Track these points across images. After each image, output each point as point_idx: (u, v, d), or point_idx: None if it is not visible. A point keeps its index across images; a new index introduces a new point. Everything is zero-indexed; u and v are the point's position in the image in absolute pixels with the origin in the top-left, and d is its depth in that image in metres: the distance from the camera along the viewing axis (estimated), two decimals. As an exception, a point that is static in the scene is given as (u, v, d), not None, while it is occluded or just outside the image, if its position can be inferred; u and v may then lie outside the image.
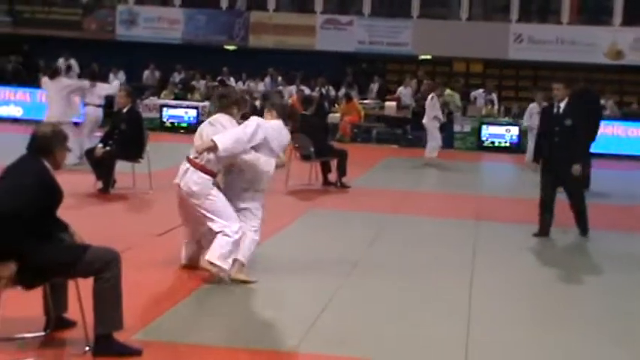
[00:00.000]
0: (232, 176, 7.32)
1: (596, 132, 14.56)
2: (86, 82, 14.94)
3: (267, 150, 7.25)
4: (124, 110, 12.14)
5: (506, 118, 22.68)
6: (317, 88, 24.36)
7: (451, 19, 26.24)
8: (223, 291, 7.03)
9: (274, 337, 5.94)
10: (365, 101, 24.09)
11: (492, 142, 21.53)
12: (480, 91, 24.19)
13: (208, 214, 7.09)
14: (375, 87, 25.74)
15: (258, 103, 23.86)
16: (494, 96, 23.82)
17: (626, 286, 8.05)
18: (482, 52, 25.20)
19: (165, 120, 22.87)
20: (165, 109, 23.06)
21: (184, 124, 22.81)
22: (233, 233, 7.02)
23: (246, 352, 5.61)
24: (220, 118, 7.43)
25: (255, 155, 7.16)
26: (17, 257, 5.02)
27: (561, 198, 10.12)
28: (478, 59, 26.46)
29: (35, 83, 18.30)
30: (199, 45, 26.84)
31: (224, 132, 7.17)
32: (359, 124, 22.34)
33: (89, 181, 11.72)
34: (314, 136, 13.25)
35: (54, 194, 5.26)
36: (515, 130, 21.13)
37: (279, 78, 25.45)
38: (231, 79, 25.64)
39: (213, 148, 6.94)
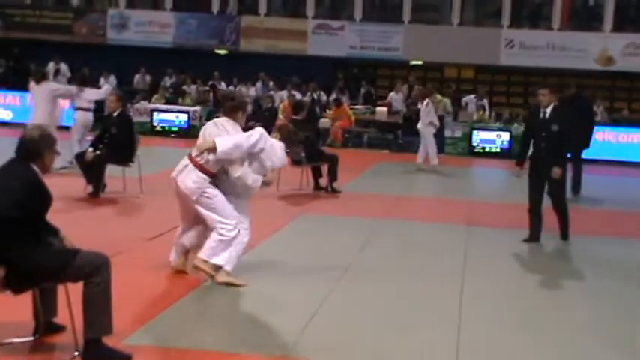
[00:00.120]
0: (221, 179, 7.32)
1: (589, 137, 14.62)
2: (74, 87, 14.89)
3: (259, 165, 7.28)
4: (115, 114, 12.10)
5: (498, 124, 22.75)
6: (308, 93, 24.37)
7: (442, 25, 26.28)
8: (214, 295, 7.02)
9: (264, 342, 5.91)
10: (356, 106, 24.10)
11: (483, 148, 21.58)
12: (472, 96, 24.26)
13: (205, 212, 7.16)
14: (362, 92, 25.76)
15: (249, 108, 23.89)
16: (485, 102, 23.89)
17: (614, 291, 8.06)
18: (473, 57, 25.26)
19: (156, 124, 22.85)
20: (156, 113, 23.04)
21: (175, 129, 22.80)
22: (228, 232, 7.09)
23: (236, 356, 5.59)
24: (225, 123, 7.41)
25: (244, 170, 7.18)
26: (6, 261, 4.99)
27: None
28: (469, 65, 26.51)
29: (25, 87, 18.25)
30: (190, 49, 26.82)
31: (227, 136, 7.19)
32: (350, 129, 22.34)
33: (79, 185, 11.68)
34: (305, 142, 13.22)
35: (43, 198, 5.23)
36: (506, 136, 21.20)
37: (271, 83, 25.44)
38: (222, 83, 25.62)
39: (212, 149, 7.01)
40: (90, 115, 14.92)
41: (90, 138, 13.15)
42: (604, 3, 25.30)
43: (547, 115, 9.79)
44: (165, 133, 22.62)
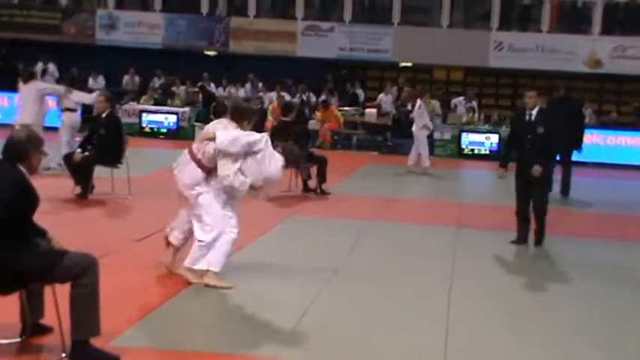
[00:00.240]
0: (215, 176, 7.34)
1: (580, 139, 14.67)
2: (61, 87, 14.79)
3: (255, 166, 7.24)
4: (103, 115, 12.05)
5: (486, 126, 22.78)
6: (297, 95, 24.35)
7: (432, 27, 26.31)
8: (202, 297, 7.00)
9: (253, 343, 5.90)
10: (345, 108, 24.10)
11: (472, 150, 21.60)
12: (461, 98, 24.31)
13: (196, 211, 7.22)
14: (348, 93, 25.74)
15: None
16: (474, 104, 23.94)
17: (601, 293, 8.08)
18: (462, 59, 25.31)
19: (144, 125, 22.77)
20: (144, 114, 22.96)
21: (164, 130, 22.72)
22: (205, 235, 7.18)
23: (225, 357, 5.57)
24: (229, 125, 7.48)
25: (233, 169, 7.18)
26: (-7, 262, 4.96)
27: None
28: (458, 67, 26.56)
29: (13, 87, 18.17)
30: (180, 50, 26.77)
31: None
32: (339, 130, 22.33)
33: (67, 186, 11.63)
34: (294, 143, 13.22)
35: (30, 199, 5.21)
36: (494, 138, 21.22)
37: (260, 84, 25.42)
38: (212, 84, 25.58)
39: (212, 138, 7.20)
40: (77, 116, 14.85)
41: (78, 139, 13.10)
42: (593, 6, 25.39)
43: (533, 118, 9.83)
44: (154, 134, 22.55)
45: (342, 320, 6.58)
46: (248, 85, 25.87)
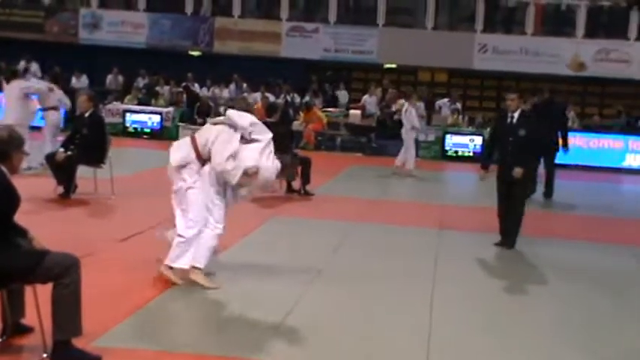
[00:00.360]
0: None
1: (565, 141, 14.74)
2: (44, 87, 14.68)
3: (250, 155, 7.18)
4: (86, 115, 11.96)
5: (470, 128, 22.84)
6: (282, 95, 24.34)
7: (416, 28, 26.36)
8: (186, 297, 6.97)
9: (236, 344, 5.88)
10: (329, 109, 24.10)
11: (456, 152, 21.66)
12: (445, 100, 24.36)
13: (182, 205, 7.21)
14: (328, 94, 25.76)
15: (222, 109, 23.83)
16: (459, 105, 24.00)
17: (582, 296, 8.11)
18: (447, 61, 25.38)
19: (128, 125, 22.70)
20: (128, 114, 22.90)
21: (148, 130, 22.67)
22: (185, 230, 7.15)
23: (206, 358, 5.55)
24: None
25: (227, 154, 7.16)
26: (-26, 262, 4.92)
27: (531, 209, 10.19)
28: (443, 69, 26.62)
29: (-2, 86, 18.06)
30: (164, 50, 26.70)
31: None
32: (323, 131, 22.33)
33: (50, 185, 11.56)
34: (278, 144, 13.17)
35: (11, 199, 5.17)
36: (478, 140, 21.28)
37: (244, 84, 25.38)
38: (196, 85, 25.53)
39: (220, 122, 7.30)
40: (59, 115, 14.77)
41: (61, 138, 13.03)
42: (576, 9, 25.51)
43: (514, 120, 9.86)
44: (137, 134, 22.49)
45: (326, 321, 6.57)
46: (232, 86, 25.84)
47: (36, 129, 14.51)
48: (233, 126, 7.25)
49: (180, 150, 7.37)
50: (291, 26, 26.37)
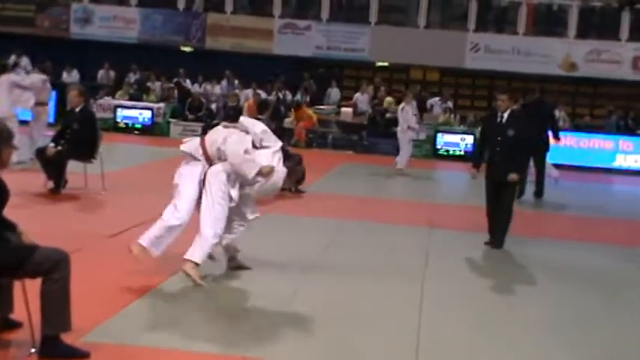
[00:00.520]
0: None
1: (557, 136, 14.79)
2: (38, 81, 14.59)
3: (264, 157, 7.27)
4: (77, 110, 11.93)
5: (462, 127, 22.87)
6: (274, 92, 24.32)
7: (409, 27, 26.35)
8: (175, 294, 6.96)
9: (224, 341, 5.87)
10: (321, 107, 24.10)
11: (447, 151, 21.68)
12: (437, 99, 24.38)
13: (175, 192, 7.27)
14: (308, 92, 25.69)
15: (214, 106, 23.81)
16: (450, 104, 24.03)
17: (572, 296, 8.14)
18: (439, 60, 25.38)
19: (119, 121, 22.64)
20: (119, 109, 22.84)
21: (139, 126, 22.61)
22: (173, 221, 7.14)
23: (194, 355, 5.54)
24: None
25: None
26: (-38, 257, 4.90)
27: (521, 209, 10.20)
28: (435, 67, 26.63)
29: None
30: (155, 45, 26.62)
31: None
32: (314, 129, 22.33)
33: (40, 180, 11.52)
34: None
35: (0, 193, 5.14)
36: (470, 139, 21.31)
37: (236, 81, 25.35)
38: (188, 80, 25.49)
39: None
40: (48, 110, 14.70)
41: (50, 133, 12.98)
42: (568, 9, 25.56)
43: (504, 120, 9.88)
44: (128, 129, 22.44)
45: (315, 318, 6.57)
46: (224, 82, 25.81)
47: (24, 123, 14.42)
48: (244, 131, 7.36)
49: (191, 142, 7.51)
50: (283, 23, 26.34)
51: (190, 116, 22.85)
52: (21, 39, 25.75)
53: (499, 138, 9.85)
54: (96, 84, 25.28)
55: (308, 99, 24.38)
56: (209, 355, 5.56)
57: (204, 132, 20.28)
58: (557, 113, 15.95)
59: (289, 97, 24.86)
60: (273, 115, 14.65)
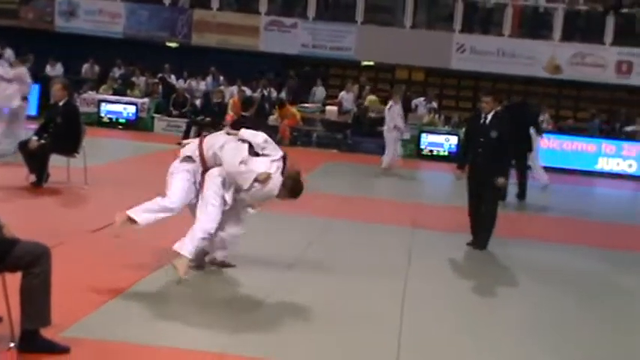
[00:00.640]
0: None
1: (529, 144, 14.85)
2: (24, 72, 14.47)
3: (262, 164, 7.30)
4: (61, 103, 11.87)
5: (446, 127, 22.91)
6: (259, 90, 24.28)
7: (395, 27, 26.35)
8: (156, 290, 6.94)
9: (203, 338, 5.85)
10: (306, 105, 24.07)
11: (431, 151, 21.71)
12: (421, 99, 24.41)
13: (172, 177, 7.34)
14: (289, 90, 25.67)
15: (198, 102, 23.74)
16: (435, 104, 24.07)
17: (553, 297, 8.16)
18: (424, 60, 25.39)
19: (103, 115, 22.54)
20: (103, 104, 22.74)
21: (123, 120, 22.52)
22: (164, 201, 7.19)
23: (175, 351, 5.52)
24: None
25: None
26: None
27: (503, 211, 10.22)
28: (420, 67, 26.66)
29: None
30: (141, 40, 26.50)
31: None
32: (299, 127, 22.31)
33: (22, 173, 11.45)
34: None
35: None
36: (454, 140, 21.34)
37: (221, 78, 25.30)
38: (172, 76, 25.40)
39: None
40: (27, 104, 14.59)
41: (33, 126, 12.90)
42: (554, 12, 25.65)
43: (488, 121, 9.90)
44: (112, 124, 22.34)
45: (297, 316, 6.56)
46: (209, 78, 25.76)
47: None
48: (242, 140, 7.38)
49: (191, 145, 7.53)
50: (269, 20, 26.29)
51: (174, 112, 22.78)
52: (4, 31, 25.53)
53: (482, 139, 9.87)
54: (80, 78, 25.14)
55: (292, 97, 24.35)
56: (190, 351, 5.54)
57: (188, 127, 20.38)
58: (541, 117, 15.99)
59: (274, 94, 24.82)
60: (257, 113, 14.58)
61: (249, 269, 7.86)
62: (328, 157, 20.10)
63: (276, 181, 7.29)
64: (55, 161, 11.68)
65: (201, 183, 7.32)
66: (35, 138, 11.51)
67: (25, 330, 5.05)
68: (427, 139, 21.84)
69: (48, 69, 24.83)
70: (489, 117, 9.90)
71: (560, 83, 25.75)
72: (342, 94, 24.49)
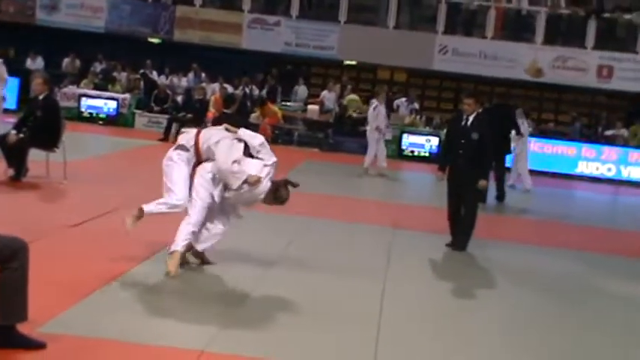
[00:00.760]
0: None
1: (508, 146, 14.94)
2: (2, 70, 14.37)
3: (254, 166, 7.33)
4: (41, 97, 11.77)
5: (428, 128, 22.96)
6: (240, 87, 24.23)
7: (378, 27, 26.36)
8: (135, 286, 6.90)
9: (183, 335, 5.83)
10: (288, 103, 24.05)
11: (412, 152, 21.76)
12: (403, 99, 24.45)
13: (166, 179, 7.33)
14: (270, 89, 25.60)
15: (180, 98, 23.67)
16: (416, 105, 24.11)
17: (531, 300, 8.19)
18: (407, 61, 25.41)
19: (83, 110, 22.43)
20: (84, 98, 22.63)
21: (103, 116, 22.43)
22: (171, 200, 7.25)
23: (153, 349, 5.49)
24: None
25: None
26: None
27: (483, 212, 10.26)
28: (402, 68, 26.70)
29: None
30: (123, 35, 26.36)
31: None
32: (280, 125, 22.29)
33: (0, 168, 11.35)
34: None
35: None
36: (435, 141, 21.41)
37: (203, 74, 25.22)
38: (154, 72, 25.30)
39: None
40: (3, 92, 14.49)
41: (12, 120, 12.80)
42: (536, 15, 25.76)
43: (469, 123, 9.92)
44: (93, 119, 22.24)
45: (276, 316, 6.54)
46: (191, 75, 25.68)
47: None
48: (239, 139, 7.41)
49: (187, 134, 7.56)
50: (252, 18, 26.23)
51: (156, 108, 22.71)
52: (-16, 24, 25.37)
53: (463, 141, 9.89)
54: (61, 72, 24.98)
55: (272, 95, 24.32)
56: (168, 348, 5.51)
57: (169, 124, 20.29)
58: (519, 120, 16.03)
59: (256, 92, 24.77)
60: (238, 110, 14.58)
61: (229, 268, 7.84)
62: (309, 155, 20.09)
63: (264, 186, 7.30)
64: (34, 156, 11.60)
65: (192, 175, 7.34)
66: (14, 132, 11.42)
67: (0, 325, 5.00)
68: (408, 140, 21.90)
69: (28, 62, 24.66)
70: (471, 119, 9.93)
71: (541, 86, 25.88)
72: (324, 93, 24.49)
